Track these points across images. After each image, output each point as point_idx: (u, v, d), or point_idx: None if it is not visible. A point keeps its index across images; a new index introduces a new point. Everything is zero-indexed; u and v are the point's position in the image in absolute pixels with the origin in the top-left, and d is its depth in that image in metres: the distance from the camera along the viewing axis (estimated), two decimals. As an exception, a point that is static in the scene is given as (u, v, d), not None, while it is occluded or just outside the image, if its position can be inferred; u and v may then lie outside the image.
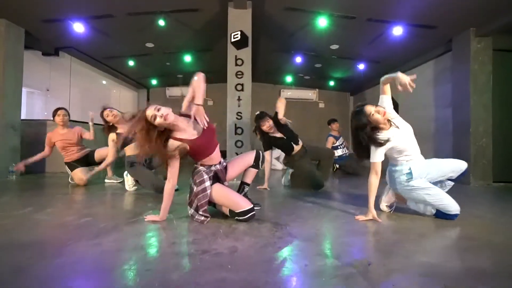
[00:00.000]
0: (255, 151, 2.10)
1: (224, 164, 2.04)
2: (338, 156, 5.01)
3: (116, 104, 7.40)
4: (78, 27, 3.95)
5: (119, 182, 3.50)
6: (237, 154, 3.70)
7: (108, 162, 3.32)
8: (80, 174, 3.31)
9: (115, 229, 1.64)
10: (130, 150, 2.96)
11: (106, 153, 3.38)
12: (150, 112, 1.64)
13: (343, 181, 4.11)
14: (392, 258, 1.28)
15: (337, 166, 5.11)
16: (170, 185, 1.78)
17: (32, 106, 5.68)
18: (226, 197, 1.84)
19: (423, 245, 1.49)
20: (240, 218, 1.78)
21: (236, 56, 3.72)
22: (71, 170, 3.44)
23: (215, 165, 1.91)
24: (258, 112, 3.21)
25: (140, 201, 2.48)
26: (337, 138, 5.26)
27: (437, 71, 4.76)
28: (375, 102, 2.04)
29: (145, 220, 1.80)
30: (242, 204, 1.78)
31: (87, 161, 3.57)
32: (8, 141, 3.98)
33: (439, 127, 4.69)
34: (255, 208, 1.85)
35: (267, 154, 3.14)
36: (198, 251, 1.31)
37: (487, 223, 1.93)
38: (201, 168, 1.86)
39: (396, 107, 6.00)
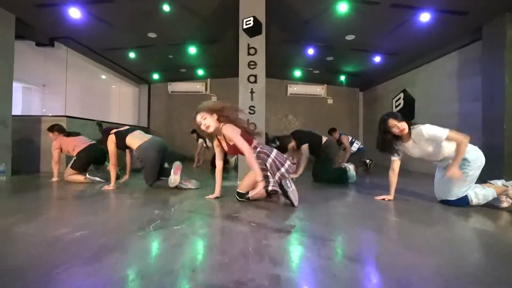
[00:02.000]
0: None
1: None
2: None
3: (116, 100, 7.07)
4: (74, 13, 3.60)
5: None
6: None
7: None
8: None
9: (118, 247, 1.31)
10: None
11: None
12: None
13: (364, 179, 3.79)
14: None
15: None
16: (220, 164, 2.48)
17: (29, 102, 5.35)
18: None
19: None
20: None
21: (248, 44, 3.38)
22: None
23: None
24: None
25: (146, 208, 2.15)
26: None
27: (462, 63, 4.42)
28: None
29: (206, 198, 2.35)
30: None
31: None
32: (-2, 138, 3.64)
33: (464, 122, 4.36)
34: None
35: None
36: (230, 283, 0.98)
37: None
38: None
39: (412, 103, 5.72)
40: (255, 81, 3.37)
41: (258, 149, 2.23)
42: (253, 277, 1.03)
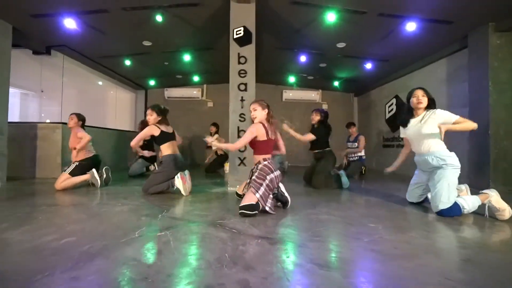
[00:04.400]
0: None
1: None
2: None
3: (113, 106, 7.15)
4: (69, 23, 3.69)
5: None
6: (240, 158, 3.45)
7: None
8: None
9: (100, 254, 1.37)
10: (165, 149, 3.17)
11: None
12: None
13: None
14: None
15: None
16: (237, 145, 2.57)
17: (27, 108, 5.43)
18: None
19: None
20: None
21: (239, 53, 3.47)
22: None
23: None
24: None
25: (134, 214, 2.21)
26: (350, 142, 5.24)
27: (451, 70, 4.51)
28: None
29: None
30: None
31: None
32: (-6, 145, 3.70)
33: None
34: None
35: None
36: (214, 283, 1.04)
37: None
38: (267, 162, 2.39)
39: (403, 108, 5.79)
40: (245, 89, 3.44)
41: (265, 162, 2.36)
42: (223, 282, 1.09)
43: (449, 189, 2.18)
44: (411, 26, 3.67)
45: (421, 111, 2.39)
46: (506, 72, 3.54)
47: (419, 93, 2.36)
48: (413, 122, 2.44)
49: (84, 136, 3.42)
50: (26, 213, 2.21)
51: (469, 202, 2.17)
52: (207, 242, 1.56)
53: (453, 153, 2.32)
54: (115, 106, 7.11)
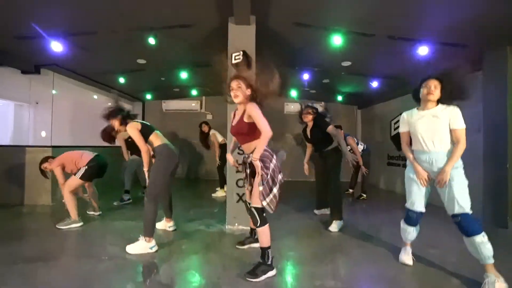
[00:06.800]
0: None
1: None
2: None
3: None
4: (56, 46, 3.45)
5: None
6: (238, 194, 3.20)
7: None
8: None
9: None
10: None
11: None
12: None
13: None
14: None
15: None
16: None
17: (21, 118, 5.17)
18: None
19: None
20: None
21: (237, 78, 3.21)
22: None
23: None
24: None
25: (117, 277, 1.95)
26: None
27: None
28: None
29: None
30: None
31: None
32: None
33: (464, 153, 4.18)
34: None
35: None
36: None
37: None
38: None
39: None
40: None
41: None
42: None
43: (466, 190, 1.91)
44: (422, 51, 3.42)
45: (431, 103, 2.00)
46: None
47: (432, 82, 1.96)
48: (423, 114, 2.03)
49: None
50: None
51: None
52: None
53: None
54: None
